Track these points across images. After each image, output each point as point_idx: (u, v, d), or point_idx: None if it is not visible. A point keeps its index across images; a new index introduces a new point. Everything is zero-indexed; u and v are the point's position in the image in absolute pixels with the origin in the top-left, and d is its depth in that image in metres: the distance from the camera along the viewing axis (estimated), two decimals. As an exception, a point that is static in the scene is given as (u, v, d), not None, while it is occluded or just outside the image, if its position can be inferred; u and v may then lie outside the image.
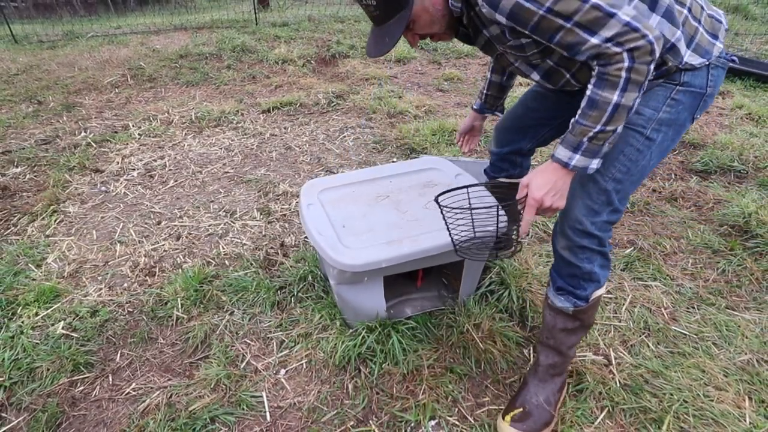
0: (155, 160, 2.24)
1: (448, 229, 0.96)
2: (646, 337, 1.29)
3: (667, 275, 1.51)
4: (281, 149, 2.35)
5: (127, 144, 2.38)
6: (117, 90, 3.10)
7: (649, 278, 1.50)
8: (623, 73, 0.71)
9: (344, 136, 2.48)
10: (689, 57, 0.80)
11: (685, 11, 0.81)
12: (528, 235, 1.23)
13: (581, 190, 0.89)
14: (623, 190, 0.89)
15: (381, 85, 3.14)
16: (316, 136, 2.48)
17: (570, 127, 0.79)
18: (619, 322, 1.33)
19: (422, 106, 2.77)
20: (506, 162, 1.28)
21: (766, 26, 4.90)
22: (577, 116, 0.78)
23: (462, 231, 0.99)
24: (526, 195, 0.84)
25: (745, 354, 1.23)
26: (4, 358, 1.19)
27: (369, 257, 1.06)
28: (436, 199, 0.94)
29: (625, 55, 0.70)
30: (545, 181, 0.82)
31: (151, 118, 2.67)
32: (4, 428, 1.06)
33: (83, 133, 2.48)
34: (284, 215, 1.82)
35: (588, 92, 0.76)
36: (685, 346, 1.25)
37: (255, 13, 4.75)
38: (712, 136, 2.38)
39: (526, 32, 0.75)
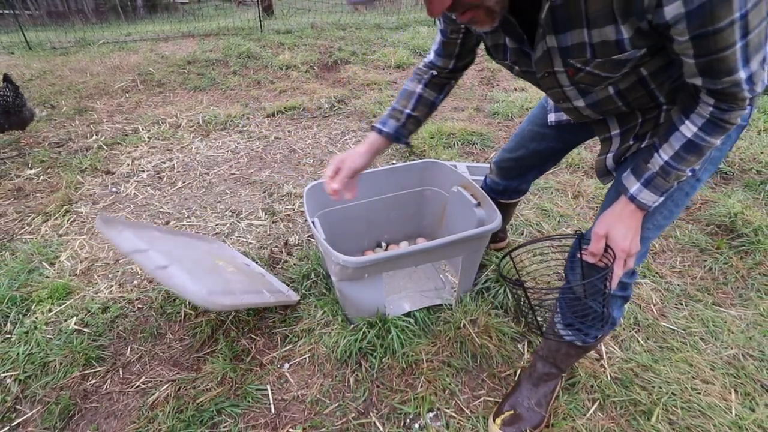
0: (164, 162, 2.28)
1: (532, 309, 0.80)
2: (636, 332, 1.31)
3: (656, 273, 1.54)
4: (285, 152, 2.40)
5: (137, 147, 2.43)
6: (127, 95, 3.15)
7: (639, 276, 1.52)
8: (738, 121, 0.62)
9: (346, 139, 2.53)
10: None
11: None
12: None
13: None
14: (659, 234, 0.82)
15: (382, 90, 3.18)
16: (318, 139, 2.53)
17: (658, 169, 0.68)
18: (611, 318, 1.37)
19: (422, 110, 2.82)
20: (512, 191, 1.29)
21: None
22: (668, 158, 0.67)
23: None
24: (605, 246, 0.73)
25: (731, 349, 1.25)
26: (18, 353, 1.21)
27: None
28: (520, 284, 0.75)
29: (748, 101, 0.60)
30: (627, 228, 0.71)
31: (160, 122, 2.72)
32: (19, 420, 1.08)
33: (95, 137, 2.53)
34: (288, 215, 1.86)
35: (689, 135, 0.64)
36: (674, 341, 1.27)
37: (260, 20, 4.84)
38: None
39: (683, 38, 0.55)
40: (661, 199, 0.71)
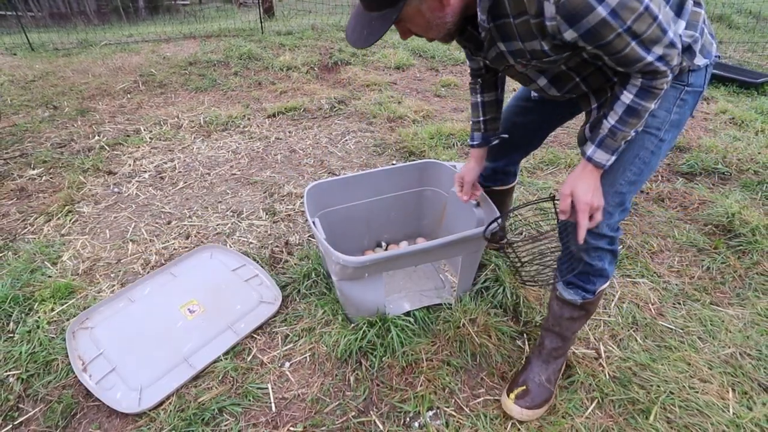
0: (166, 163, 2.30)
1: (521, 264, 0.95)
2: (634, 331, 1.32)
3: (654, 272, 1.55)
4: (286, 152, 2.41)
5: (139, 147, 2.45)
6: (129, 95, 3.17)
7: (637, 275, 1.54)
8: (665, 86, 0.76)
9: (346, 140, 2.54)
10: (698, 58, 0.82)
11: (702, 13, 0.81)
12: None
13: None
14: (634, 191, 0.92)
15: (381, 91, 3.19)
16: (319, 140, 2.54)
17: (607, 132, 0.82)
18: (609, 317, 1.37)
19: (420, 111, 2.82)
20: (501, 173, 1.32)
21: (749, 35, 4.94)
22: (614, 123, 0.80)
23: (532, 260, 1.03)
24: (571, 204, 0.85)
25: (729, 348, 1.26)
26: (21, 352, 1.22)
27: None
28: (509, 243, 0.91)
29: (668, 71, 0.74)
30: (588, 185, 0.84)
31: (161, 123, 2.73)
32: (22, 418, 1.09)
33: (97, 137, 2.54)
34: (289, 215, 1.87)
35: (627, 102, 0.78)
36: (672, 340, 1.28)
37: (261, 22, 4.86)
38: (697, 140, 2.42)
39: (590, 47, 0.72)
40: (614, 157, 0.84)
